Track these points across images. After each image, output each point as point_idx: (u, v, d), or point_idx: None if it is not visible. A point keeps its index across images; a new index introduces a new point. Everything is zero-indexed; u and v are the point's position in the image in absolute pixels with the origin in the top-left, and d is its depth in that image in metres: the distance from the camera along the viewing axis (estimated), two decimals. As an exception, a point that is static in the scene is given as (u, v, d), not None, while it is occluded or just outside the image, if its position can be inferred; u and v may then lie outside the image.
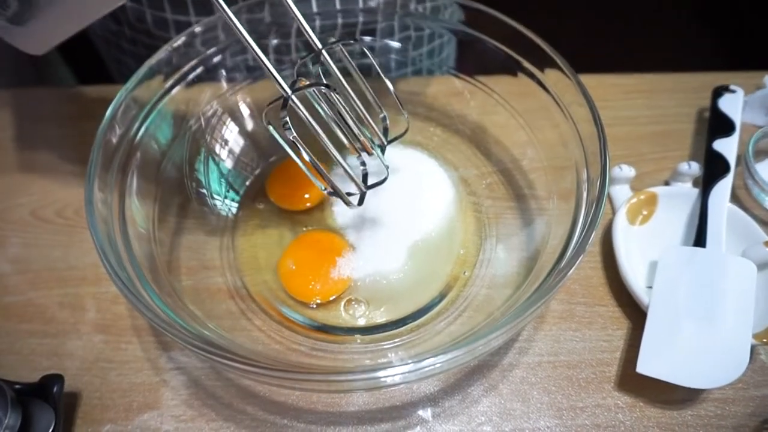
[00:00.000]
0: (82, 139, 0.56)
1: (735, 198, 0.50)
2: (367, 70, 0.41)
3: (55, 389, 0.37)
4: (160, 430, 0.39)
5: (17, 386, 0.37)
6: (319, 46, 0.37)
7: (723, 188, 0.47)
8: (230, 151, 0.50)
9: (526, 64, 0.45)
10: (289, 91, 0.33)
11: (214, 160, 0.49)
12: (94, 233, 0.35)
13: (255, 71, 0.49)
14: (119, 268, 0.34)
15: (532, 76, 0.45)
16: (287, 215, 0.48)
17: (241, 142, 0.50)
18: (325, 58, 0.37)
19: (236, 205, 0.49)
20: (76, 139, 0.56)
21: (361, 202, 0.39)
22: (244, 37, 0.31)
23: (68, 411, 0.39)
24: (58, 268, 0.47)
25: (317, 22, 0.53)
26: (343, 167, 0.36)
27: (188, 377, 0.41)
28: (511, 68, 0.46)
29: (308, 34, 0.35)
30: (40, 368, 0.41)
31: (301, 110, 0.33)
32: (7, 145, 0.56)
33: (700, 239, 0.44)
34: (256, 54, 0.31)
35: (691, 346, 0.39)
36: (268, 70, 0.32)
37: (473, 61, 0.50)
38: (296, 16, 0.34)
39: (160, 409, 0.40)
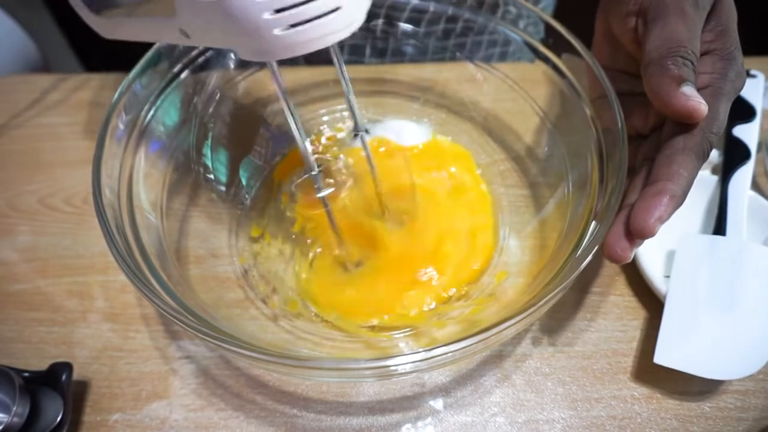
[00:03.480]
0: (89, 126, 0.55)
1: (755, 185, 0.48)
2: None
3: (63, 377, 0.36)
4: (169, 420, 0.38)
5: (26, 374, 0.36)
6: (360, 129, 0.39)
7: (743, 175, 0.45)
8: (239, 137, 0.49)
9: (543, 50, 0.44)
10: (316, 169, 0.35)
11: (222, 146, 0.48)
12: (102, 221, 0.34)
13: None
14: (128, 257, 0.34)
15: (548, 61, 0.44)
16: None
17: (250, 127, 0.49)
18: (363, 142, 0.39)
19: (245, 191, 0.48)
20: (84, 127, 0.56)
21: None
22: (289, 109, 0.32)
23: (77, 399, 0.39)
24: (66, 257, 0.47)
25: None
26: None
27: (197, 366, 0.40)
28: (527, 54, 0.45)
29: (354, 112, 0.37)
30: (48, 356, 0.41)
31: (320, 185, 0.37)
32: (14, 133, 0.56)
33: (719, 227, 0.43)
34: (296, 131, 0.33)
35: (711, 337, 0.38)
36: (304, 148, 0.34)
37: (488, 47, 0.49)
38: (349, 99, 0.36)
39: (169, 399, 0.39)
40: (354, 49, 0.55)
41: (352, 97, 0.36)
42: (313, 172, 0.36)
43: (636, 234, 0.32)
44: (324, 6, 0.26)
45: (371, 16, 0.37)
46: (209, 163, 0.47)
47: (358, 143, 0.40)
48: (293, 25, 0.26)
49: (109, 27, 0.33)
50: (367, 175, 0.42)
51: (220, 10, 0.25)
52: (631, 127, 0.38)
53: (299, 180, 0.41)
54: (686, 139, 0.33)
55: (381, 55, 0.55)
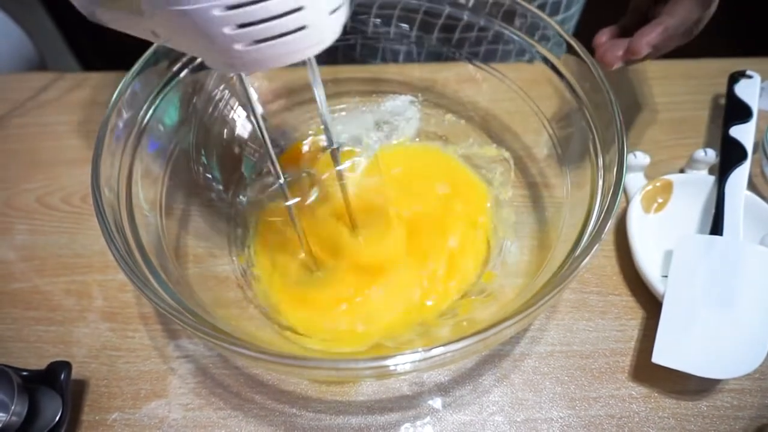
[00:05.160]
0: (88, 125, 0.55)
1: (752, 186, 0.49)
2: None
3: (62, 376, 0.36)
4: (167, 419, 0.38)
5: (24, 373, 0.36)
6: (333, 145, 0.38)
7: (740, 175, 0.46)
8: (238, 137, 0.49)
9: (542, 50, 0.44)
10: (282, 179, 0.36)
11: (221, 145, 0.48)
12: (101, 220, 0.34)
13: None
14: (127, 255, 0.34)
15: (547, 61, 0.44)
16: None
17: (248, 127, 0.49)
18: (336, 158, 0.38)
19: (244, 190, 0.48)
20: (83, 125, 0.55)
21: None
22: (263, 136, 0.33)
23: (75, 398, 0.39)
24: (65, 256, 0.47)
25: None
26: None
27: (196, 365, 0.40)
28: (519, 51, 0.45)
29: (326, 126, 0.37)
30: (47, 355, 0.41)
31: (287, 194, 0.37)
32: (12, 132, 0.55)
33: (716, 227, 0.43)
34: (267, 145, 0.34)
35: (708, 336, 0.38)
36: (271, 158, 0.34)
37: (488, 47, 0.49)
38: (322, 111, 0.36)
39: (168, 398, 0.39)
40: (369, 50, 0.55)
41: (326, 111, 0.36)
42: (281, 181, 0.36)
43: (627, 51, 0.40)
44: (289, 24, 0.25)
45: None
46: (208, 163, 0.47)
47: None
48: (258, 41, 0.25)
49: (89, 8, 0.33)
50: (340, 190, 0.41)
51: (183, 19, 0.24)
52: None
53: (270, 189, 0.41)
54: None
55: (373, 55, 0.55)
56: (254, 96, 0.31)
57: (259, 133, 0.33)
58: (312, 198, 0.42)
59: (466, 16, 0.49)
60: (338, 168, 0.39)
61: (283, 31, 0.25)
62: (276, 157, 0.34)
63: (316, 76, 0.33)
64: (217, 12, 0.24)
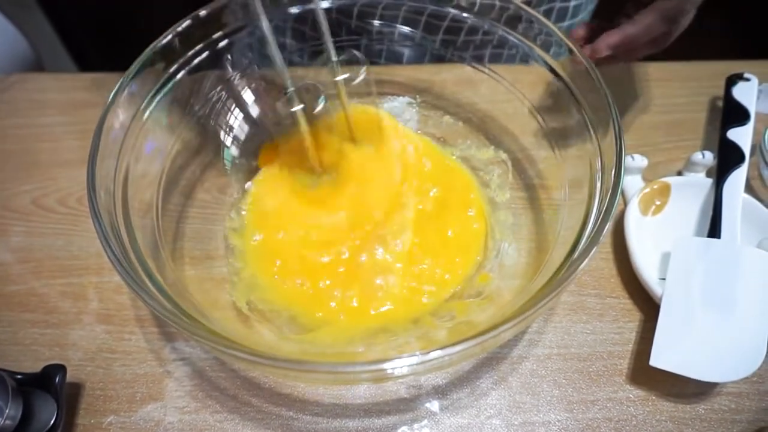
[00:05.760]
0: (84, 126, 0.55)
1: (749, 188, 0.49)
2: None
3: (57, 379, 0.36)
4: (163, 422, 0.38)
5: (19, 376, 0.36)
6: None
7: (737, 178, 0.46)
8: (235, 138, 0.49)
9: (541, 53, 0.44)
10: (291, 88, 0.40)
11: (219, 146, 0.48)
12: (98, 222, 0.34)
13: (262, 58, 0.48)
14: (123, 258, 0.34)
15: (545, 63, 0.44)
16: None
17: (246, 128, 0.49)
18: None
19: (239, 192, 0.48)
20: (79, 127, 0.55)
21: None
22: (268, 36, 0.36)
23: (71, 402, 0.39)
24: (61, 258, 0.46)
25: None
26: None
27: (192, 368, 0.40)
28: (523, 56, 0.45)
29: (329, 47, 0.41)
30: (42, 358, 0.41)
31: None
32: (8, 133, 0.55)
33: (714, 230, 0.43)
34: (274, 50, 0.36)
35: (706, 339, 0.38)
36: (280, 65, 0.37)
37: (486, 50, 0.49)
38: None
39: (164, 401, 0.39)
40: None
41: (324, 21, 0.39)
42: (290, 89, 0.38)
43: (591, 50, 0.43)
44: None
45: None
46: (205, 164, 0.47)
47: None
48: None
49: None
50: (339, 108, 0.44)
51: None
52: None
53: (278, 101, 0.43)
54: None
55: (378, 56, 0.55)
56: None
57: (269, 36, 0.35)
58: (320, 106, 0.43)
59: (469, 20, 0.49)
60: (338, 78, 0.42)
61: None
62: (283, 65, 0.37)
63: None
64: None
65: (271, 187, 0.47)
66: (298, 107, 0.40)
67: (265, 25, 0.36)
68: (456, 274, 0.43)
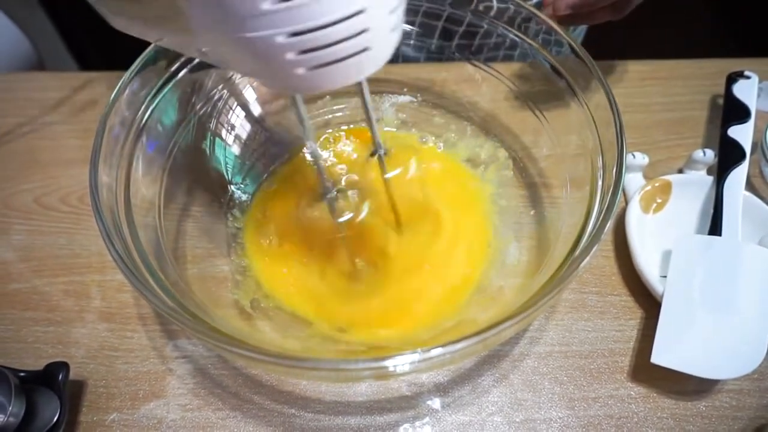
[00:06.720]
0: (86, 125, 0.55)
1: (750, 186, 0.49)
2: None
3: (60, 377, 0.36)
4: (166, 419, 0.38)
5: (22, 374, 0.36)
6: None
7: (738, 176, 0.46)
8: (237, 137, 0.49)
9: (542, 50, 0.44)
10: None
11: (220, 146, 0.48)
12: (99, 220, 0.34)
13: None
14: (125, 256, 0.34)
15: (546, 61, 0.44)
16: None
17: (248, 127, 0.49)
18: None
19: (242, 191, 0.48)
20: (81, 125, 0.55)
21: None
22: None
23: (73, 399, 0.39)
24: (63, 256, 0.46)
25: None
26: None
27: (194, 366, 0.40)
28: (523, 53, 0.45)
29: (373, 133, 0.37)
30: (45, 356, 0.41)
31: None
32: (10, 131, 0.55)
33: (715, 228, 0.43)
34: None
35: (707, 337, 0.38)
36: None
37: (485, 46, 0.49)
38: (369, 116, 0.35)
39: (167, 398, 0.39)
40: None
41: (374, 121, 0.36)
42: (329, 195, 0.36)
43: (552, 9, 0.45)
44: (351, 48, 0.24)
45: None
46: (207, 163, 0.47)
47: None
48: (320, 66, 0.24)
49: (123, 24, 0.33)
50: (379, 195, 0.41)
51: (242, 44, 0.24)
52: None
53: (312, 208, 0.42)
54: None
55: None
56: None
57: (312, 150, 0.34)
58: (364, 213, 0.42)
59: (469, 20, 0.49)
60: (387, 175, 0.40)
61: (346, 54, 0.24)
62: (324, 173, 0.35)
63: (365, 92, 0.33)
64: (280, 39, 0.23)
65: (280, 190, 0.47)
66: (345, 217, 0.40)
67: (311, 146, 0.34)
68: (458, 273, 0.43)
